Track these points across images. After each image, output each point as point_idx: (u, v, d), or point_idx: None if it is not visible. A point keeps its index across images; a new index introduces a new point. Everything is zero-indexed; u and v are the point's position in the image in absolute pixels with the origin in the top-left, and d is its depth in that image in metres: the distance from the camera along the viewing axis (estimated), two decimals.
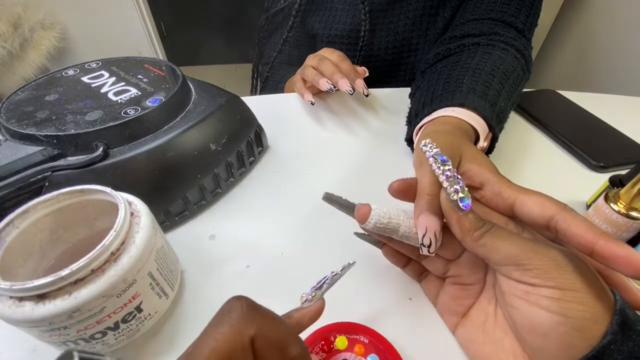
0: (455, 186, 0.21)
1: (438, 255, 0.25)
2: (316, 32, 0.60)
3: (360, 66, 0.50)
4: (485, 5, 0.48)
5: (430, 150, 0.23)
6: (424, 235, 0.22)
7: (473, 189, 0.26)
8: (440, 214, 0.23)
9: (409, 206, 0.25)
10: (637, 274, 0.17)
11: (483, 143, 0.34)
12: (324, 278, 0.22)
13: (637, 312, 0.18)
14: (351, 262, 0.23)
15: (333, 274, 0.22)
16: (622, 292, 0.19)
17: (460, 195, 0.21)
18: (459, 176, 0.22)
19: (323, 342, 0.23)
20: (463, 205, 0.21)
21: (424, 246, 0.22)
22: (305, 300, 0.21)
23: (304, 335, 0.22)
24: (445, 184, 0.22)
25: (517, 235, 0.21)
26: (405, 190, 0.25)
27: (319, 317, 0.21)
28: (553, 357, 0.18)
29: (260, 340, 0.14)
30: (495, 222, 0.22)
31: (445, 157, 0.22)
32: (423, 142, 0.24)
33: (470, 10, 0.49)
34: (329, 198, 0.25)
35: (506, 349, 0.21)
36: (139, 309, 0.24)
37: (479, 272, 0.24)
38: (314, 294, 0.21)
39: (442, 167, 0.22)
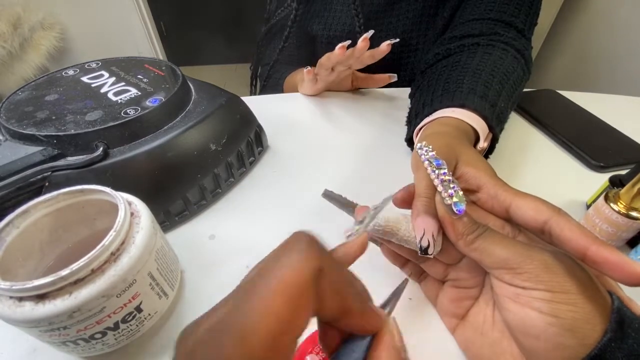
0: (449, 190, 0.21)
1: (437, 260, 0.25)
2: (316, 34, 0.60)
3: (360, 66, 0.50)
4: (484, 5, 0.48)
5: (425, 154, 0.23)
6: (422, 237, 0.22)
7: (470, 191, 0.26)
8: (437, 215, 0.23)
9: (408, 210, 0.25)
10: (628, 280, 0.17)
11: (483, 144, 0.34)
12: (364, 214, 0.22)
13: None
14: (388, 196, 0.23)
15: (374, 207, 0.22)
16: None
17: (455, 199, 0.21)
18: (455, 180, 0.22)
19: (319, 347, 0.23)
20: (457, 210, 0.21)
21: (422, 247, 0.22)
22: (350, 235, 0.20)
23: (304, 335, 0.22)
24: (439, 188, 0.22)
25: (509, 238, 0.21)
26: (408, 199, 0.25)
27: (364, 252, 0.20)
28: (546, 358, 0.18)
29: (325, 277, 0.13)
30: (490, 225, 0.22)
31: (440, 161, 0.22)
32: (419, 145, 0.24)
33: (469, 10, 0.49)
34: (328, 195, 0.25)
35: (504, 350, 0.21)
36: (139, 309, 0.24)
37: (478, 276, 0.24)
38: (357, 228, 0.21)
39: (436, 171, 0.22)
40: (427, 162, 0.23)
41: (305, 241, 0.13)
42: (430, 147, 0.24)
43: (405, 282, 0.22)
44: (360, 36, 0.56)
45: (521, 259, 0.19)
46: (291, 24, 0.59)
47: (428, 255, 0.23)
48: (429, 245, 0.22)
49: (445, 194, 0.21)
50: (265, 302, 0.11)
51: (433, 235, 0.22)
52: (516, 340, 0.20)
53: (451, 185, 0.21)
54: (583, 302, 0.17)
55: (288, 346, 0.11)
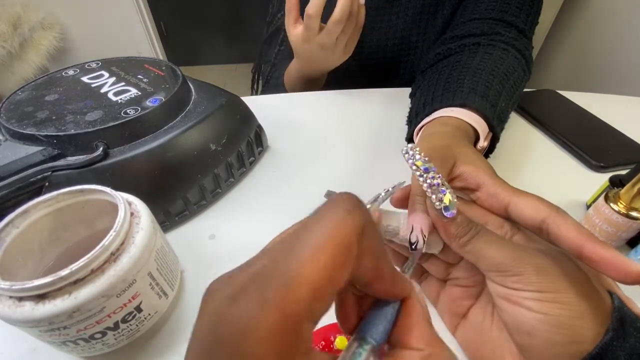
0: (438, 195, 0.21)
1: (439, 259, 0.25)
2: None
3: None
4: (486, 4, 0.48)
5: (412, 158, 0.23)
6: (411, 233, 0.22)
7: (469, 190, 0.26)
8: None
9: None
10: (624, 279, 0.17)
11: (483, 143, 0.34)
12: (377, 195, 0.23)
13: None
14: (401, 182, 0.24)
15: (385, 190, 0.23)
16: None
17: (444, 203, 0.21)
18: (445, 182, 0.22)
19: (323, 342, 0.23)
20: (446, 214, 0.21)
21: (411, 243, 0.22)
22: None
23: None
24: (428, 193, 0.22)
25: (502, 240, 0.21)
26: (405, 199, 0.25)
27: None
28: (540, 354, 0.19)
29: (366, 238, 0.13)
30: (489, 224, 0.23)
31: (427, 166, 0.22)
32: (404, 149, 0.24)
33: (470, 10, 0.49)
34: (330, 195, 0.25)
35: (503, 347, 0.21)
36: (138, 309, 0.24)
37: (479, 274, 0.24)
38: (369, 206, 0.22)
39: (424, 175, 0.22)
40: (414, 167, 0.22)
41: (350, 200, 0.13)
42: (417, 149, 0.23)
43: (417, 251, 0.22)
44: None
45: (513, 262, 0.19)
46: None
47: (417, 251, 0.23)
48: (417, 241, 0.22)
49: (435, 199, 0.21)
50: (311, 254, 0.11)
51: (422, 231, 0.22)
52: (512, 338, 0.21)
53: (440, 189, 0.21)
54: (574, 300, 0.18)
55: (328, 301, 0.11)
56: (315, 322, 0.11)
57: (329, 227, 0.12)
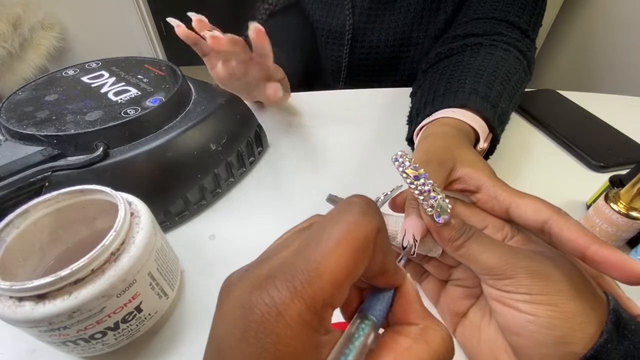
0: (429, 201, 0.21)
1: (440, 261, 0.25)
2: (316, 21, 0.60)
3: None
4: (489, 4, 0.48)
5: (402, 166, 0.22)
6: (403, 237, 0.22)
7: (469, 192, 0.26)
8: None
9: None
10: (627, 279, 0.18)
11: (483, 144, 0.34)
12: (376, 198, 0.23)
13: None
14: (399, 185, 0.25)
15: (384, 194, 0.24)
16: None
17: (437, 210, 0.21)
18: (436, 189, 0.21)
19: None
20: (438, 220, 0.21)
21: (404, 247, 0.22)
22: None
23: None
24: (419, 200, 0.22)
25: (496, 243, 0.21)
26: (403, 204, 0.25)
27: None
28: (528, 354, 0.19)
29: (380, 237, 0.13)
30: (490, 226, 0.23)
31: (417, 173, 0.22)
32: (394, 157, 0.23)
33: (473, 9, 0.49)
34: (333, 200, 0.25)
35: (499, 346, 0.22)
36: (138, 309, 0.24)
37: None
38: None
39: (415, 183, 0.22)
40: (404, 175, 0.22)
41: (365, 202, 0.14)
42: (407, 157, 0.23)
43: (412, 247, 0.23)
44: (349, 28, 0.55)
45: (505, 266, 0.19)
46: (264, 12, 0.58)
47: (411, 256, 0.23)
48: (410, 245, 0.22)
49: (426, 205, 0.21)
50: (334, 249, 0.12)
51: (414, 236, 0.22)
52: (504, 337, 0.21)
53: (431, 196, 0.21)
54: (566, 302, 0.18)
55: (346, 290, 0.12)
56: (334, 308, 0.12)
57: (350, 225, 0.13)
